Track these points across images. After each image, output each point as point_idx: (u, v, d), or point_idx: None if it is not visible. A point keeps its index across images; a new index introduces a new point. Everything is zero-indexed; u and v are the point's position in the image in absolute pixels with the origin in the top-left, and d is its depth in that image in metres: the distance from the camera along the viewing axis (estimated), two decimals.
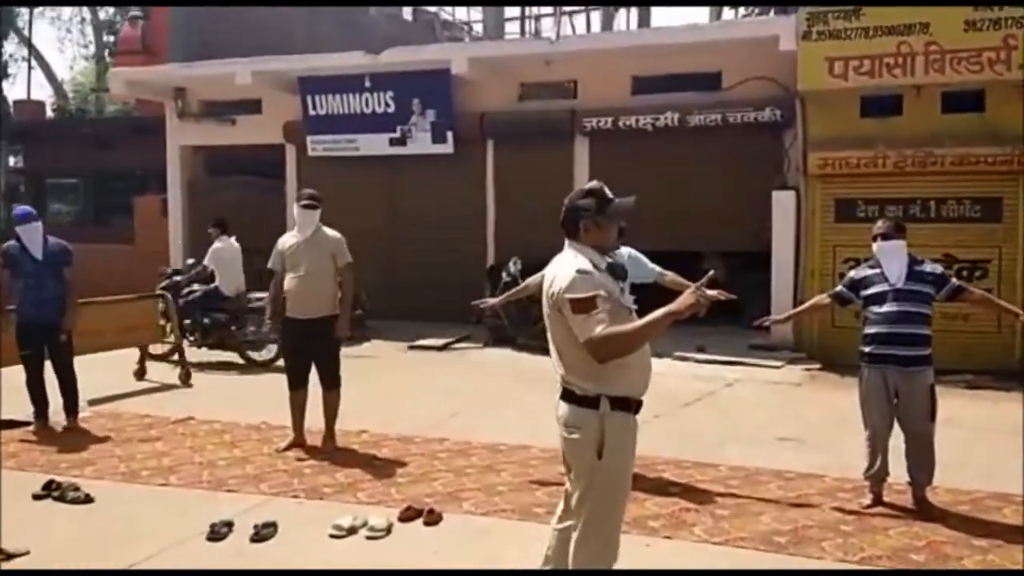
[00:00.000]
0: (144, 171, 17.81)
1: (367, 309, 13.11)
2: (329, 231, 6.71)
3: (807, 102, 11.37)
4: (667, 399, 8.78)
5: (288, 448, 6.68)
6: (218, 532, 4.97)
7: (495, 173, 13.90)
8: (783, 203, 11.63)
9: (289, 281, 6.55)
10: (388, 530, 5.04)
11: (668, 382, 9.82)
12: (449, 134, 13.52)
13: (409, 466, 6.34)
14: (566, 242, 3.52)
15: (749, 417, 8.18)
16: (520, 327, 11.71)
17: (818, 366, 10.62)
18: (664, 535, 5.05)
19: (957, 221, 10.69)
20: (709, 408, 8.64)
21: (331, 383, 6.63)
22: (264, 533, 4.94)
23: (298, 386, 6.69)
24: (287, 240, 6.70)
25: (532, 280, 6.45)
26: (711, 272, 5.21)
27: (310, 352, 6.59)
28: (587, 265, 3.32)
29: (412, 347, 11.98)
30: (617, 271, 3.47)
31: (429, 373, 10.35)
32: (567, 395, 3.41)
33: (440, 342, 12.07)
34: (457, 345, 12.22)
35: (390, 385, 9.58)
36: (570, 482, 3.58)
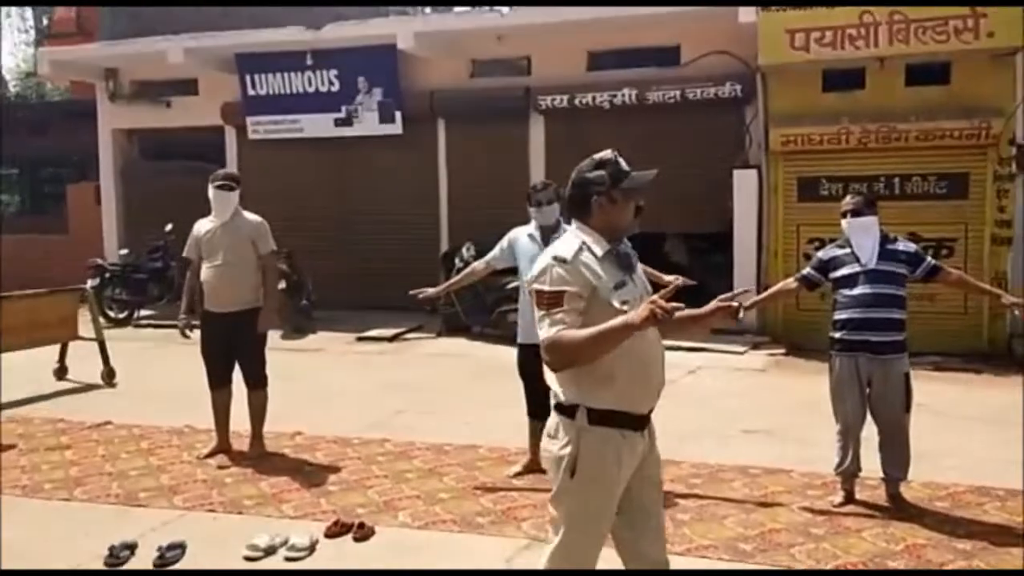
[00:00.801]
0: (81, 157, 16.94)
1: (313, 300, 12.51)
2: (249, 215, 6.10)
3: (768, 76, 10.95)
4: None
5: (211, 455, 6.10)
6: (117, 556, 4.39)
7: (447, 154, 13.30)
8: (744, 182, 11.20)
9: (206, 271, 5.92)
10: (311, 549, 4.49)
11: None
12: (397, 114, 12.90)
13: (343, 472, 5.79)
14: (572, 223, 3.01)
15: (713, 408, 7.75)
16: (476, 315, 11.20)
17: (783, 351, 10.26)
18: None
19: (922, 198, 10.34)
20: (670, 398, 8.02)
21: (255, 382, 6.04)
22: (169, 557, 4.37)
23: (219, 386, 6.09)
24: (203, 226, 6.07)
25: (477, 265, 5.96)
26: (677, 280, 4.74)
27: (231, 349, 5.99)
28: (570, 251, 2.81)
29: (360, 339, 11.39)
30: (622, 260, 2.91)
31: (376, 366, 9.78)
32: (554, 400, 2.97)
33: (390, 333, 11.50)
34: (408, 336, 11.66)
35: (333, 380, 9.00)
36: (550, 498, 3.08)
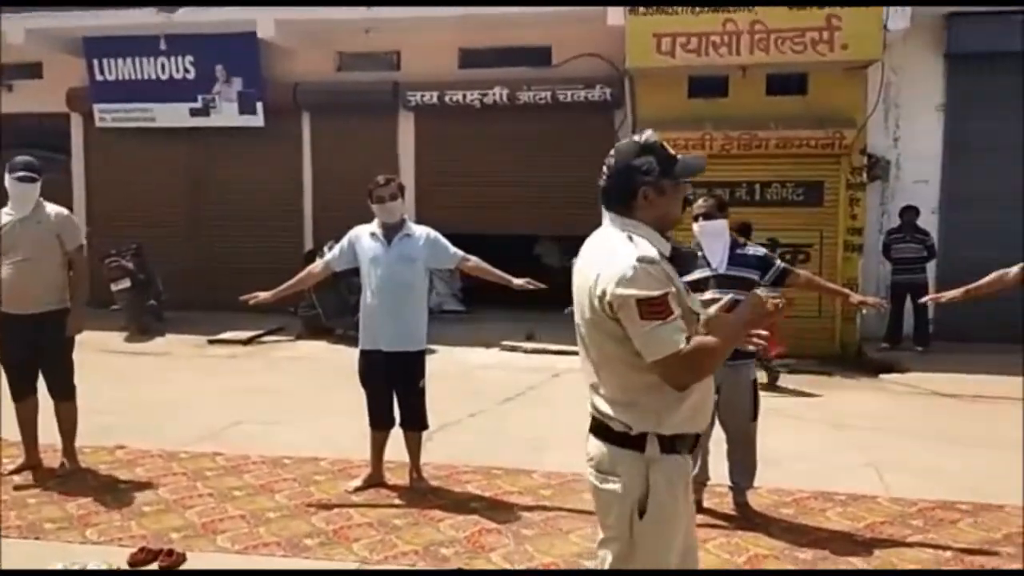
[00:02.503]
0: None
1: (163, 299, 11.77)
2: (53, 207, 5.47)
3: (636, 80, 10.97)
4: (487, 394, 8.12)
5: (17, 471, 5.48)
6: None
7: (312, 148, 12.79)
8: None
9: (4, 269, 5.28)
10: None
11: (491, 375, 9.20)
12: (259, 105, 12.29)
13: (163, 490, 5.28)
14: (609, 217, 2.52)
15: (573, 413, 7.49)
16: (338, 317, 10.73)
17: None
18: (458, 564, 4.29)
19: (781, 205, 10.56)
20: (532, 404, 8.01)
21: (62, 393, 5.44)
22: None
23: (23, 397, 5.45)
24: None
25: (314, 267, 5.57)
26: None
27: (34, 355, 5.37)
28: (651, 251, 2.38)
29: (212, 341, 10.75)
30: (684, 259, 2.56)
31: (225, 372, 9.20)
32: (601, 430, 2.51)
33: (245, 335, 10.90)
34: (265, 339, 11.09)
35: (173, 387, 8.38)
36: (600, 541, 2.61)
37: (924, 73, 10.74)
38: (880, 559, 4.38)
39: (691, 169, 2.54)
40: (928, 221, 10.60)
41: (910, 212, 10.36)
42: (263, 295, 5.31)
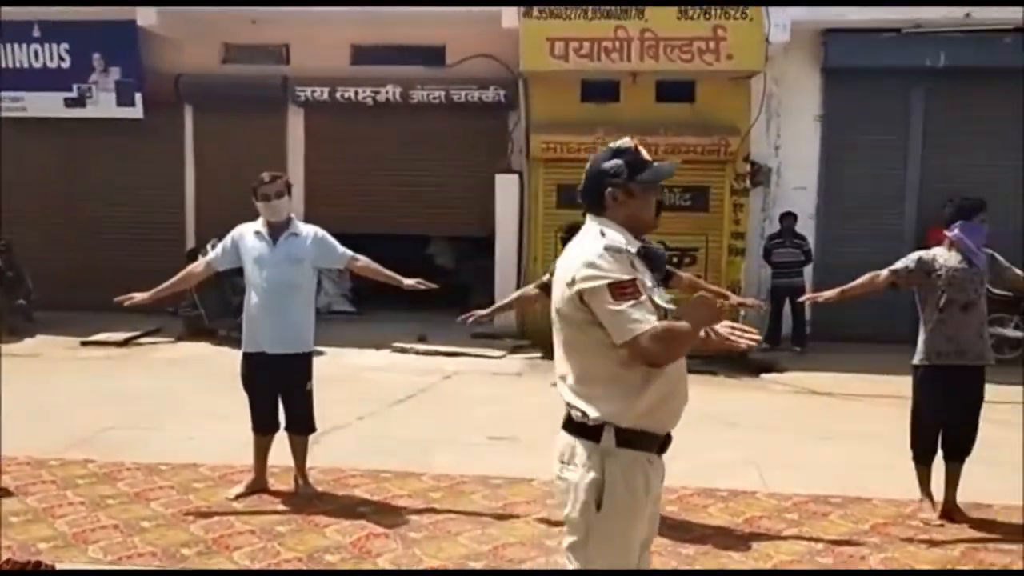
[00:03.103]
0: None
1: (33, 299, 11.13)
2: None
3: (530, 83, 11.06)
4: (377, 397, 8.01)
5: None
6: None
7: (195, 143, 12.37)
8: (506, 187, 11.24)
9: None
10: None
11: (382, 377, 9.08)
12: (138, 96, 11.79)
13: (31, 499, 4.98)
14: (588, 218, 2.67)
15: (463, 414, 7.57)
16: (221, 318, 10.38)
17: (540, 354, 10.31)
18: (343, 570, 4.20)
19: (669, 209, 10.75)
20: (422, 406, 7.94)
21: None
22: None
23: None
24: None
25: (195, 267, 5.38)
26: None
27: None
28: (619, 241, 2.51)
29: (86, 343, 10.23)
30: (653, 259, 2.60)
31: (99, 374, 8.76)
32: (566, 422, 2.58)
33: (122, 336, 10.42)
34: (143, 340, 10.63)
35: (44, 391, 7.92)
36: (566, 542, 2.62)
37: (803, 85, 11.22)
38: (757, 552, 4.53)
39: (659, 174, 2.66)
40: (806, 227, 11.08)
41: (789, 218, 10.80)
42: (139, 296, 5.08)
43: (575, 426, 2.54)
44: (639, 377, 2.47)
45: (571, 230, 4.98)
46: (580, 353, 2.54)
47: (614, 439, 2.48)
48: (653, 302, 2.51)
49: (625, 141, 2.66)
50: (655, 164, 2.66)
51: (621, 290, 2.41)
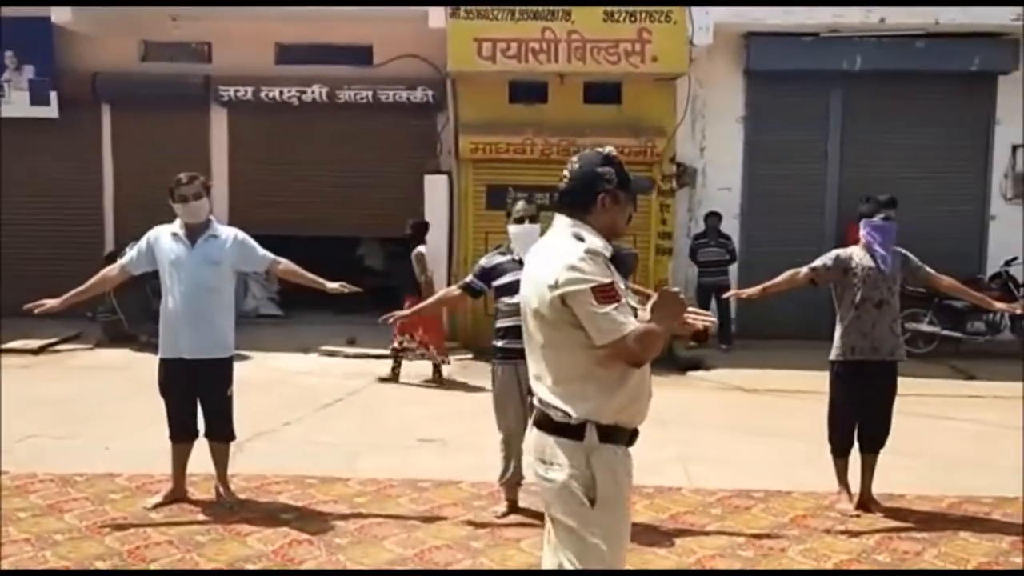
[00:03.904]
0: None
1: None
2: None
3: (458, 84, 11.03)
4: (303, 402, 7.90)
5: None
6: None
7: (113, 144, 12.02)
8: (435, 188, 11.20)
9: None
10: None
11: (309, 381, 8.97)
12: (53, 95, 11.40)
13: None
14: (558, 219, 2.70)
15: (392, 417, 7.51)
16: (141, 322, 10.08)
17: (470, 356, 10.30)
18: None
19: None
20: (350, 409, 7.85)
21: None
22: None
23: None
24: None
25: (109, 271, 5.21)
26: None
27: None
28: (598, 244, 2.58)
29: (0, 351, 9.82)
30: (623, 262, 2.71)
31: (14, 383, 8.36)
32: (543, 421, 2.61)
33: (37, 344, 10.05)
34: (60, 347, 10.27)
35: None
36: (551, 533, 2.66)
37: (726, 87, 11.44)
38: (681, 548, 4.59)
39: (641, 187, 2.89)
40: (731, 226, 11.29)
41: (714, 218, 10.99)
42: (50, 302, 4.91)
43: (555, 426, 2.57)
44: (616, 375, 2.55)
45: (521, 220, 5.01)
46: (558, 353, 2.59)
47: (596, 435, 2.55)
48: (630, 304, 2.62)
49: (611, 150, 2.76)
50: (636, 178, 2.83)
51: (604, 293, 2.49)
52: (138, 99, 11.56)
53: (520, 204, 5.21)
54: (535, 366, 2.67)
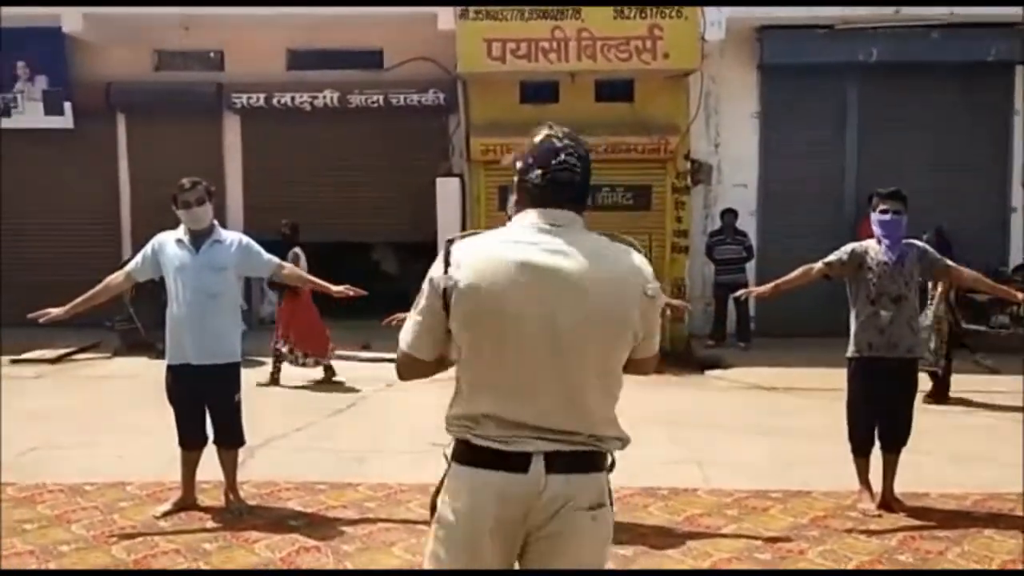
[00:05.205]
0: None
1: None
2: None
3: (468, 85, 11.00)
4: (316, 407, 7.86)
5: None
6: None
7: (129, 153, 12.07)
8: (447, 190, 11.14)
9: None
10: None
11: (322, 386, 8.91)
12: (67, 105, 11.47)
13: None
14: (573, 218, 2.21)
15: (402, 422, 7.43)
16: (158, 330, 10.05)
17: None
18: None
19: (612, 209, 10.83)
20: (362, 414, 7.80)
21: None
22: None
23: None
24: None
25: (114, 278, 5.17)
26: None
27: None
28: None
29: (16, 361, 9.85)
30: None
31: (27, 393, 8.42)
32: (599, 462, 2.19)
33: (54, 353, 10.08)
34: (78, 356, 10.30)
35: None
36: None
37: (740, 83, 11.31)
38: (696, 550, 4.49)
39: None
40: (747, 223, 11.15)
41: (730, 215, 10.86)
42: (55, 311, 4.89)
43: (598, 461, 2.19)
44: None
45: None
46: (616, 371, 2.21)
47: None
48: None
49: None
50: None
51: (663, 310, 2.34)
52: (152, 108, 11.62)
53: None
54: (573, 394, 2.14)
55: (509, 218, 2.29)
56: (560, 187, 2.20)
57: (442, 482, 2.28)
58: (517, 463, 2.13)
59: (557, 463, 2.13)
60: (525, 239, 2.16)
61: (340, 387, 8.91)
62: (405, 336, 2.26)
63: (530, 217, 2.20)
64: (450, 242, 2.20)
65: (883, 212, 5.04)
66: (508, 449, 2.13)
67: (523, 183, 2.25)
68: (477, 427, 2.17)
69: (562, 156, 2.22)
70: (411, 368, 2.31)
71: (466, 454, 2.19)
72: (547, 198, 2.20)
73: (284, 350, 8.82)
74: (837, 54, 10.89)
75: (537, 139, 2.28)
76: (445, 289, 2.13)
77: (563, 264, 2.13)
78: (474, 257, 2.13)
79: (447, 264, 2.14)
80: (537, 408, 2.13)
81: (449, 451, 2.26)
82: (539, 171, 2.21)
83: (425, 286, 2.19)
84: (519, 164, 2.27)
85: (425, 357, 2.26)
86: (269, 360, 9.08)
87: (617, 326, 2.17)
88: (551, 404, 2.13)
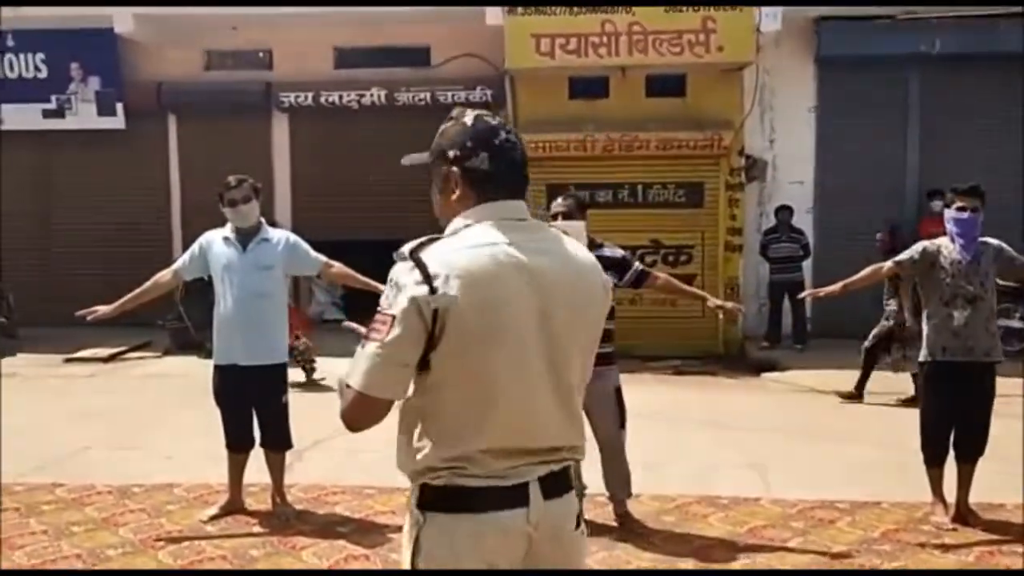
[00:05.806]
0: None
1: (14, 316, 10.87)
2: None
3: (516, 81, 10.83)
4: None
5: None
6: None
7: (179, 153, 12.12)
8: None
9: None
10: None
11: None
12: (119, 106, 11.53)
13: None
14: (526, 209, 2.02)
15: None
16: (208, 329, 10.07)
17: None
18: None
19: (663, 206, 10.59)
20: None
21: None
22: None
23: None
24: None
25: (162, 276, 5.12)
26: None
27: None
28: None
29: (69, 360, 9.96)
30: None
31: (78, 393, 8.48)
32: (567, 477, 1.99)
33: (106, 352, 10.15)
34: (129, 355, 10.36)
35: (19, 411, 7.61)
36: None
37: (796, 76, 10.97)
38: (762, 564, 4.27)
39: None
40: (803, 220, 10.82)
41: (785, 212, 10.54)
42: (103, 309, 4.85)
43: (575, 474, 2.03)
44: None
45: (555, 217, 4.74)
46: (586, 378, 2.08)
47: None
48: None
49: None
50: None
51: None
52: (202, 108, 11.63)
53: (560, 200, 4.89)
54: (564, 403, 1.96)
55: (446, 218, 2.04)
56: (511, 168, 1.97)
57: (416, 541, 1.91)
58: (517, 497, 1.90)
59: (550, 487, 1.93)
60: (501, 240, 1.90)
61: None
62: (366, 377, 1.88)
63: (488, 212, 1.95)
64: (414, 254, 1.89)
65: (960, 209, 4.76)
66: (507, 484, 1.89)
67: (467, 172, 1.97)
68: (471, 466, 1.88)
69: (503, 134, 1.99)
70: (369, 414, 1.94)
71: (453, 500, 1.89)
72: (500, 184, 1.97)
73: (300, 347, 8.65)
74: (898, 46, 10.50)
75: (468, 120, 2.00)
76: (436, 310, 1.82)
77: (548, 265, 1.93)
78: (460, 268, 1.84)
79: (428, 280, 1.85)
80: (536, 425, 1.92)
81: (414, 499, 1.94)
82: (485, 154, 1.96)
83: (394, 312, 1.84)
84: (454, 153, 1.99)
85: (394, 397, 1.91)
86: (319, 360, 9.03)
87: (595, 327, 2.05)
88: (547, 418, 1.93)
